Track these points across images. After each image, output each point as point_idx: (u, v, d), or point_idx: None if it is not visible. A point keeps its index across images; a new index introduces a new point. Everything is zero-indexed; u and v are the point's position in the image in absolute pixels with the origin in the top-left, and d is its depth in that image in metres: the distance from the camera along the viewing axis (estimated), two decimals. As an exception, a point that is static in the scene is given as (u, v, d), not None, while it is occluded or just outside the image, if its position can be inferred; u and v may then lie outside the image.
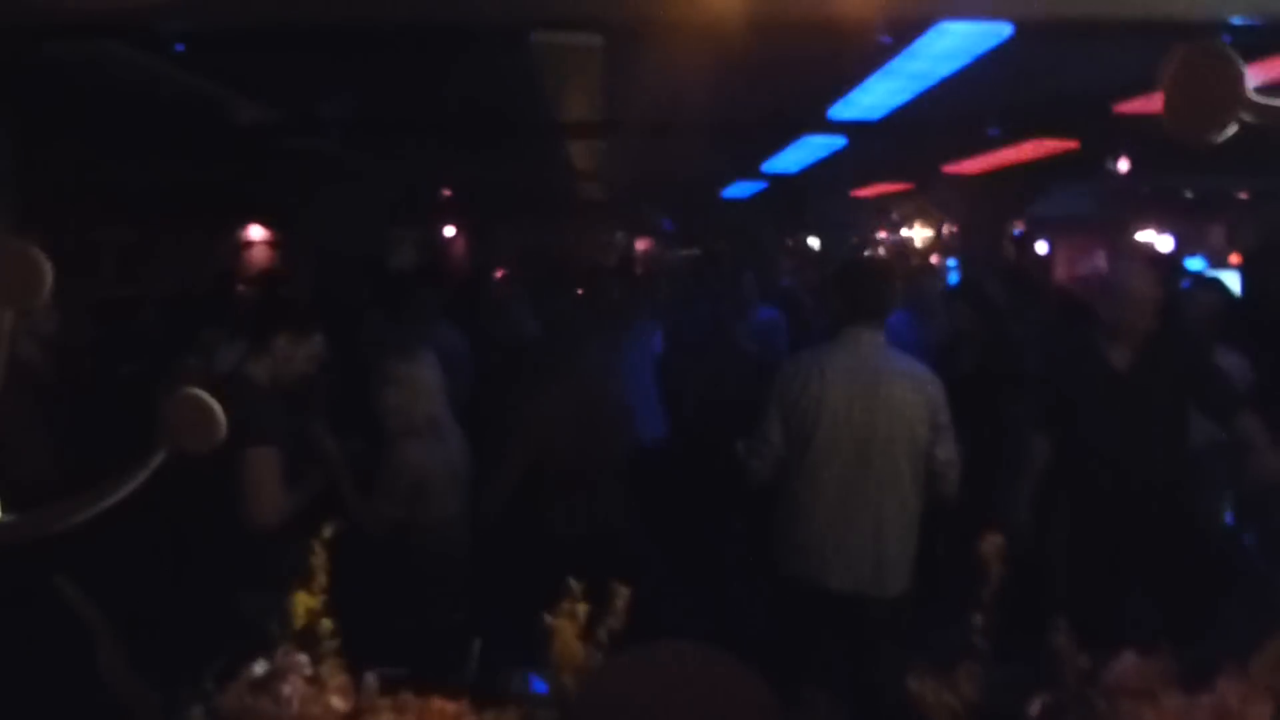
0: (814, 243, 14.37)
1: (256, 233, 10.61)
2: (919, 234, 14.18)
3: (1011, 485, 3.81)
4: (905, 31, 3.94)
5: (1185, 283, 6.20)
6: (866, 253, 15.48)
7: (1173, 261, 9.73)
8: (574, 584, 2.15)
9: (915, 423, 3.39)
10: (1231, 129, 1.87)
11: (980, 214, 8.22)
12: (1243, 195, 10.73)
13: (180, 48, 3.95)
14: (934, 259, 13.01)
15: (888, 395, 3.39)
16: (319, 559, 2.03)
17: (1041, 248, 14.54)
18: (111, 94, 4.54)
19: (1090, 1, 2.83)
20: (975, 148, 7.19)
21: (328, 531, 2.05)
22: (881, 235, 15.46)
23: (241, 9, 3.22)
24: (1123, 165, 7.41)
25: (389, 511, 3.46)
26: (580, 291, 6.03)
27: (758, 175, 9.91)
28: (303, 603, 1.95)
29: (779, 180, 10.19)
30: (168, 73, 4.24)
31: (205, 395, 1.85)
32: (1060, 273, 14.46)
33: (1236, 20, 3.31)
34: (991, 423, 4.18)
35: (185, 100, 4.82)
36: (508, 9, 2.93)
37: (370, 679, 1.86)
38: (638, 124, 6.25)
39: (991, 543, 2.14)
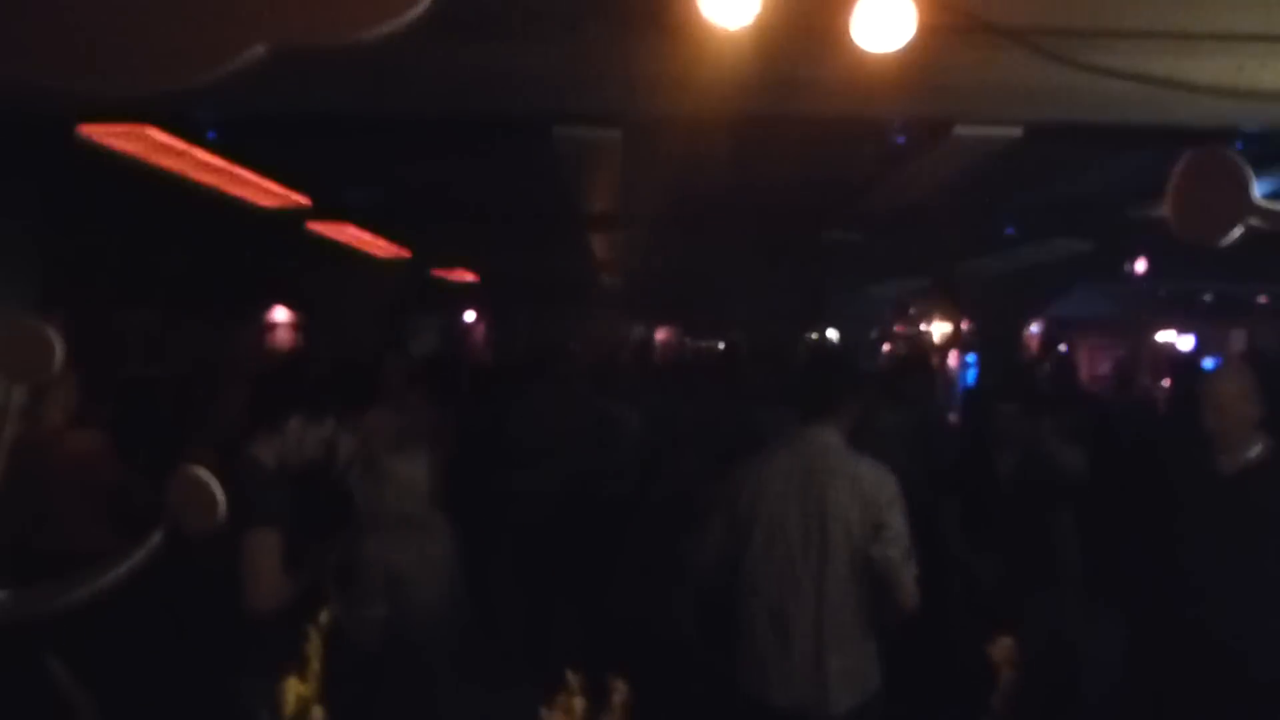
0: (833, 334, 14.41)
1: (280, 315, 10.76)
2: (938, 329, 14.19)
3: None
4: (920, 134, 4.00)
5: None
6: (885, 346, 15.50)
7: (1191, 361, 9.69)
8: (571, 677, 2.12)
9: (852, 524, 3.12)
10: (1237, 233, 1.89)
11: (999, 312, 8.24)
12: (1262, 299, 10.72)
13: (212, 135, 4.06)
14: (953, 355, 13.02)
15: (820, 498, 3.15)
16: (313, 645, 2.00)
17: (1062, 347, 14.53)
18: (139, 178, 4.65)
19: (1103, 109, 2.88)
20: (992, 246, 7.25)
21: (324, 616, 2.03)
22: (900, 330, 15.48)
23: (273, 98, 3.32)
24: (1140, 266, 7.44)
25: (375, 614, 3.29)
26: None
27: (777, 267, 10.00)
28: (294, 689, 1.92)
29: (800, 273, 10.27)
30: (202, 158, 4.35)
31: (207, 474, 1.86)
32: (1082, 372, 14.42)
33: (1247, 129, 3.37)
34: (1033, 530, 3.98)
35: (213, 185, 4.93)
36: (531, 104, 3.00)
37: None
38: (657, 217, 6.34)
39: (1002, 646, 2.10)
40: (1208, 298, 11.03)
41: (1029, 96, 2.85)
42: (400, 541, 3.36)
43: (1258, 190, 5.02)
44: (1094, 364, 14.63)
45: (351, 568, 3.33)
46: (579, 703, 2.10)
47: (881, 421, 4.46)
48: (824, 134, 4.14)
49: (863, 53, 2.44)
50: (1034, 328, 12.67)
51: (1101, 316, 12.47)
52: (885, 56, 2.47)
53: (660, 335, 17.21)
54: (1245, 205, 1.92)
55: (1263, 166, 4.45)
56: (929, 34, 2.38)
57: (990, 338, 8.79)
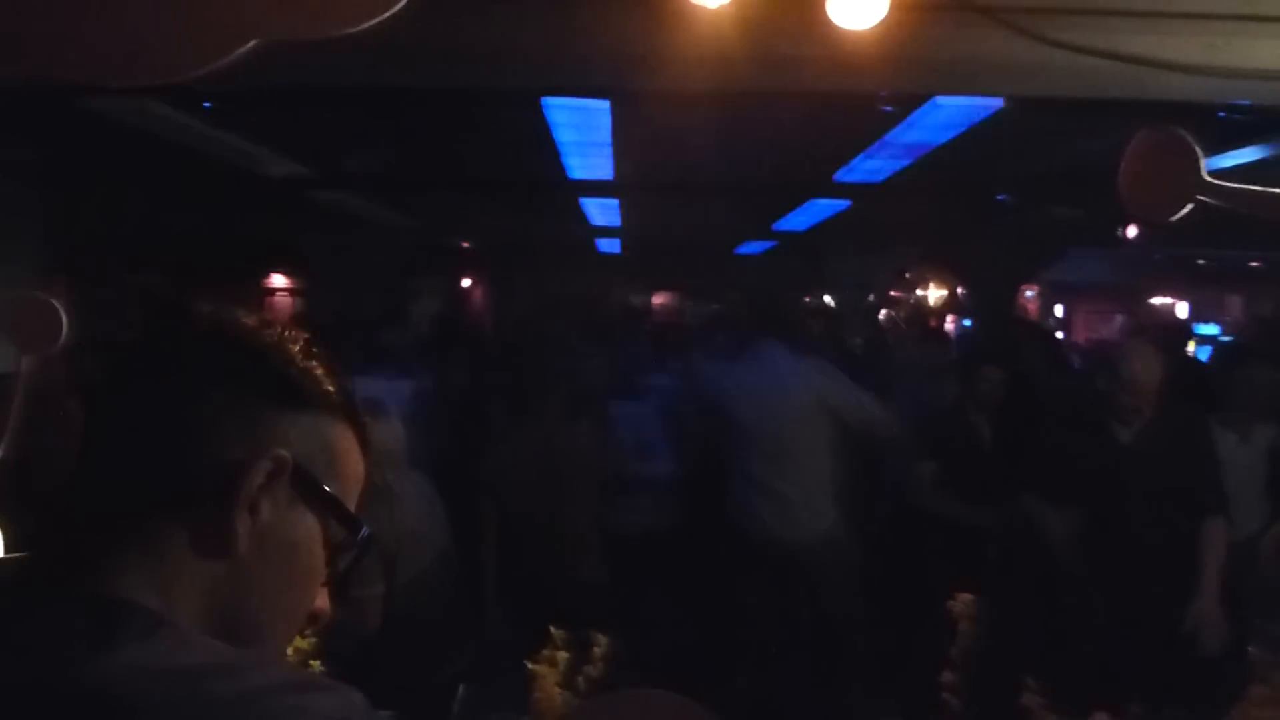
0: (829, 300, 14.46)
1: (279, 280, 10.84)
2: (933, 294, 14.25)
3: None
4: (906, 102, 4.07)
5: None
6: (882, 312, 15.54)
7: (1184, 327, 9.75)
8: (555, 632, 2.23)
9: (808, 407, 4.23)
10: (1188, 210, 1.97)
11: (992, 279, 8.30)
12: (1255, 263, 10.78)
13: (207, 105, 4.12)
14: (950, 320, 13.09)
15: (783, 393, 4.23)
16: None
17: (1058, 311, 14.62)
18: (144, 147, 4.72)
19: (1078, 85, 2.93)
20: (985, 213, 7.30)
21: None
22: (896, 294, 15.53)
23: (265, 71, 3.39)
24: (1131, 231, 7.50)
25: (372, 593, 3.23)
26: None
27: (769, 234, 10.05)
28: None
29: (791, 239, 10.31)
30: (199, 128, 4.42)
31: (49, 297, 1.93)
32: (1077, 336, 14.52)
33: (1235, 101, 3.42)
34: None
35: (215, 154, 4.99)
36: (519, 78, 3.06)
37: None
38: (648, 183, 6.40)
39: (963, 602, 2.21)
40: (1202, 262, 11.08)
41: (1005, 72, 2.91)
42: (389, 513, 3.30)
43: (1238, 160, 5.07)
44: (1090, 329, 14.74)
45: None
46: (563, 656, 2.22)
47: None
48: (811, 103, 4.20)
49: (840, 30, 2.51)
50: (1029, 293, 12.73)
51: (1097, 282, 12.53)
52: (863, 33, 2.53)
53: (658, 299, 17.23)
54: (1196, 183, 2.00)
55: (1244, 138, 4.52)
56: (904, 11, 2.45)
57: (984, 304, 8.86)
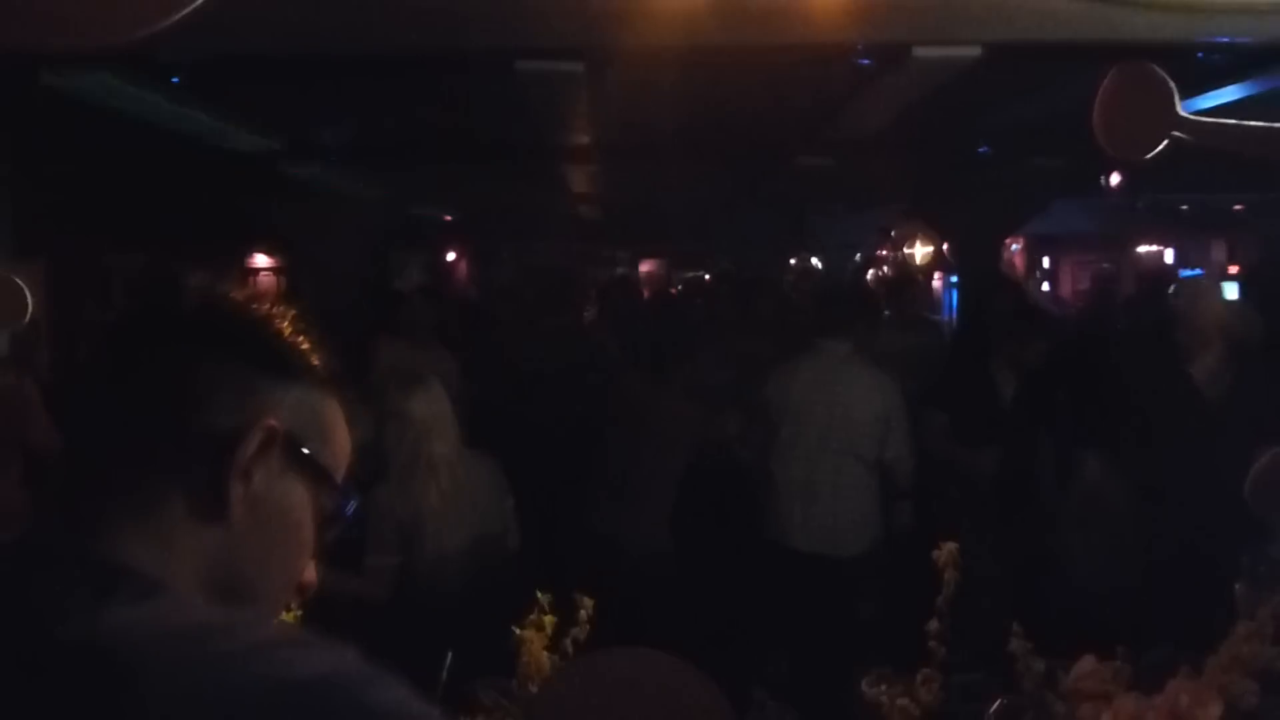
0: (816, 263, 14.43)
1: (262, 260, 10.76)
2: (920, 251, 14.23)
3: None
4: (884, 56, 4.02)
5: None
6: (871, 272, 15.53)
7: (1168, 272, 9.78)
8: (541, 597, 2.22)
9: (860, 424, 4.11)
10: (1163, 146, 1.96)
11: (977, 232, 8.28)
12: (1237, 208, 10.78)
13: (176, 80, 4.06)
14: (938, 276, 13.09)
15: (834, 402, 4.10)
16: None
17: (1044, 263, 14.63)
18: (112, 121, 4.65)
19: (1056, 28, 2.90)
20: (967, 167, 7.26)
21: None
22: (884, 254, 15.51)
23: (231, 39, 3.33)
24: (1114, 179, 7.48)
25: (384, 562, 3.24)
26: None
27: (754, 196, 10.00)
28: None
29: (781, 201, 10.27)
30: (165, 105, 4.35)
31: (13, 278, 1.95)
32: (1064, 288, 14.55)
33: (1199, 42, 3.39)
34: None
35: (184, 129, 4.93)
36: (489, 40, 3.02)
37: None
38: (626, 148, 6.35)
39: (947, 551, 2.21)
40: (1185, 208, 11.08)
41: (981, 17, 2.89)
42: (422, 485, 3.25)
43: (1222, 99, 5.03)
44: (1077, 280, 14.75)
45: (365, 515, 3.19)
46: (549, 619, 2.21)
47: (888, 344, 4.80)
48: (787, 60, 4.16)
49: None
50: (1014, 246, 12.72)
51: (1081, 232, 12.53)
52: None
53: (645, 267, 17.18)
54: (1170, 119, 1.98)
55: (1224, 78, 4.49)
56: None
57: (969, 258, 8.84)
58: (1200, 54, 3.97)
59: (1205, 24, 3.14)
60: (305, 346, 0.93)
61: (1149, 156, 1.91)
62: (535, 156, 6.71)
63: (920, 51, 3.53)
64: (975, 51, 3.51)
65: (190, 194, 6.94)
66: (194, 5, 1.35)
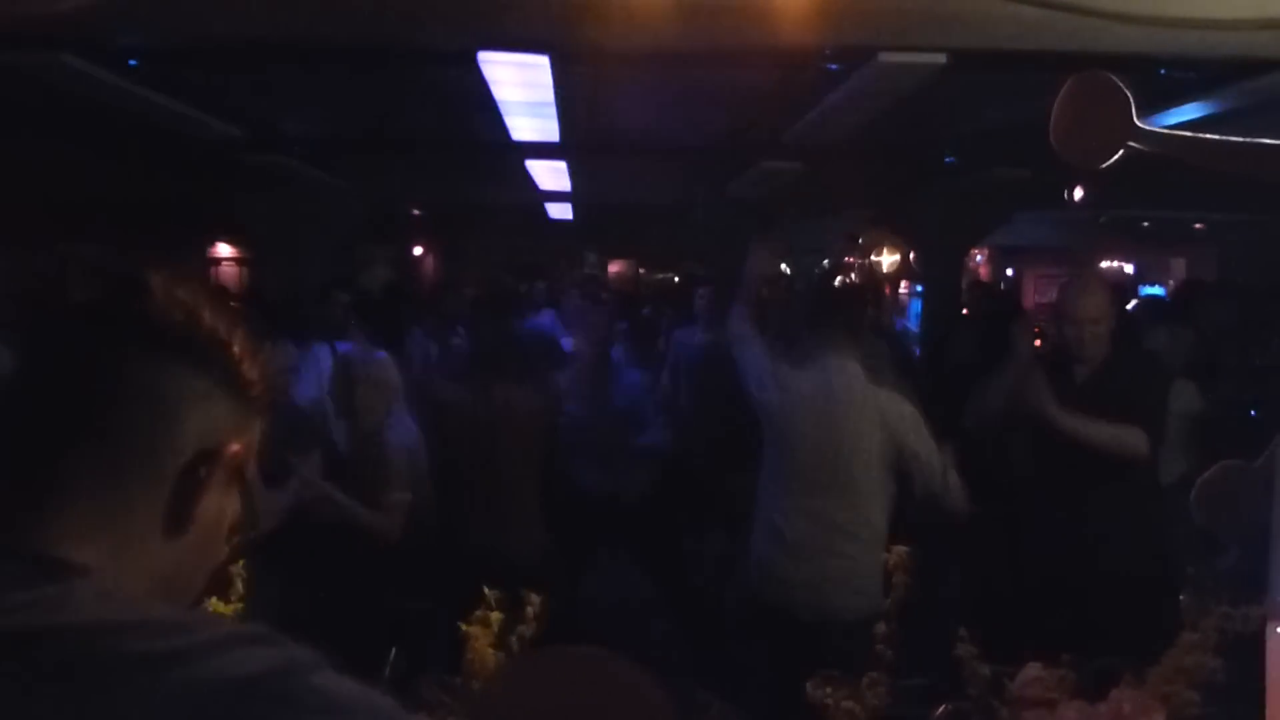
0: (785, 268, 14.47)
1: (224, 250, 10.64)
2: (887, 260, 14.33)
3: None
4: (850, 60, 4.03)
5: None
6: (838, 279, 15.61)
7: (1128, 286, 9.90)
8: (489, 593, 2.20)
9: (872, 452, 3.51)
10: (1119, 156, 1.96)
11: (942, 240, 8.34)
12: (1198, 226, 10.94)
13: (133, 63, 3.98)
14: (904, 284, 13.18)
15: (842, 426, 3.52)
16: (237, 567, 2.06)
17: (1008, 273, 14.79)
18: (70, 106, 4.56)
19: (1019, 37, 2.92)
20: (933, 176, 7.31)
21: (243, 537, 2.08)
22: (851, 260, 15.60)
23: (190, 27, 3.27)
24: (1077, 193, 7.56)
25: (402, 497, 3.74)
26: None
27: (720, 198, 10.01)
28: (215, 610, 1.98)
29: (743, 204, 10.27)
30: (125, 88, 4.27)
31: None
32: (1028, 299, 14.71)
33: (1160, 57, 3.43)
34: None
35: (145, 115, 4.84)
36: (451, 37, 2.99)
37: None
38: (593, 146, 6.32)
39: (897, 554, 2.21)
40: (1146, 224, 11.23)
41: (945, 25, 2.90)
42: (396, 433, 3.85)
43: (1180, 117, 5.07)
44: (1040, 292, 14.93)
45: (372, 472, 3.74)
46: (496, 616, 2.19)
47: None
48: (756, 63, 4.16)
49: (776, -18, 2.47)
50: (979, 256, 12.84)
51: (1045, 244, 12.68)
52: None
53: (614, 267, 17.15)
54: (1127, 129, 1.99)
55: (1186, 95, 4.53)
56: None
57: (933, 267, 8.91)
58: (1163, 70, 4.01)
59: (1170, 38, 3.18)
60: (260, 369, 0.97)
61: (1105, 166, 1.91)
62: (501, 153, 6.68)
63: (885, 57, 3.54)
64: (940, 58, 3.53)
65: (150, 181, 6.83)
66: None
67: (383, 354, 4.08)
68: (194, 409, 0.91)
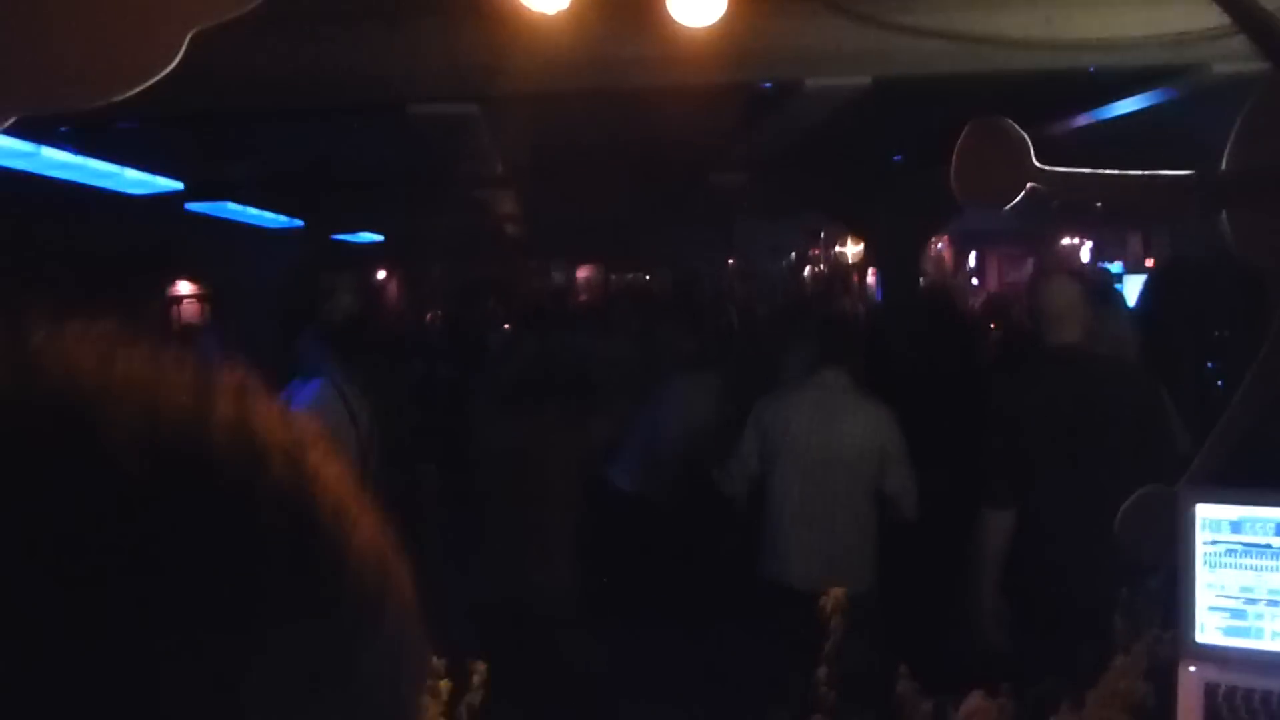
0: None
1: (185, 288, 10.56)
2: (851, 250, 14.40)
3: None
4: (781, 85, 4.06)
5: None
6: (807, 270, 15.68)
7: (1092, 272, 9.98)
8: (435, 661, 2.20)
9: (860, 456, 3.97)
10: (1019, 197, 1.99)
11: (897, 237, 8.38)
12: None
13: (63, 129, 3.96)
14: (871, 274, 13.27)
15: (835, 432, 3.98)
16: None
17: (970, 260, 14.89)
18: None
19: (924, 64, 2.95)
20: (883, 175, 7.36)
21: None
22: (816, 253, 15.69)
23: (123, 105, 3.26)
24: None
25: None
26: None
27: (680, 210, 10.05)
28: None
29: (708, 206, 10.31)
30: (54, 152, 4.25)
31: None
32: (990, 283, 14.83)
33: (1078, 66, 3.47)
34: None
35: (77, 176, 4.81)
36: (369, 92, 3.00)
37: None
38: (541, 173, 6.32)
39: (833, 597, 2.23)
40: (1099, 205, 11.31)
41: (848, 58, 2.93)
42: None
43: (1128, 105, 5.06)
44: (1005, 272, 15.05)
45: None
46: (445, 685, 2.20)
47: None
48: (691, 88, 4.18)
49: (679, 25, 2.49)
50: (939, 244, 12.93)
51: (1003, 229, 12.78)
52: (704, 28, 2.52)
53: (582, 273, 17.14)
54: (1027, 171, 2.02)
55: (1124, 89, 4.56)
56: (743, 4, 2.44)
57: (891, 260, 8.95)
58: (1092, 69, 4.04)
59: (1062, 58, 3.19)
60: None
61: (1007, 209, 1.94)
62: (448, 185, 6.67)
63: (812, 83, 3.56)
64: (865, 81, 3.56)
65: (98, 235, 6.78)
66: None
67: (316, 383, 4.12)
68: None
